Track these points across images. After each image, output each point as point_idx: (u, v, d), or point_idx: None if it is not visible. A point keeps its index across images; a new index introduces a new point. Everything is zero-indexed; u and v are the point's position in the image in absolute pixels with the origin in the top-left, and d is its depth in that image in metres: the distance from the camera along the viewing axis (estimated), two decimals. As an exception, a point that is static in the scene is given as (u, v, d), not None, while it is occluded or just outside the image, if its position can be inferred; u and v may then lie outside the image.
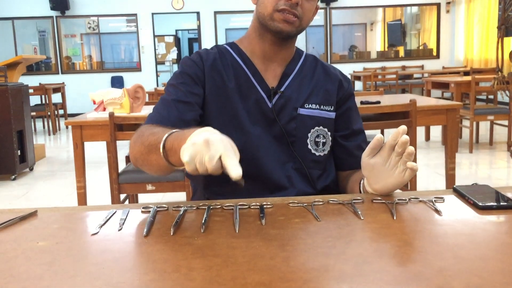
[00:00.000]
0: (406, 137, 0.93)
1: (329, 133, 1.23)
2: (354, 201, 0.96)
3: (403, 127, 0.93)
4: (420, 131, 5.78)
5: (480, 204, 0.90)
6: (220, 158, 0.79)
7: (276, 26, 1.13)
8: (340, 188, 1.27)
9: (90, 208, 1.01)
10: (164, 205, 0.96)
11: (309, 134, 1.20)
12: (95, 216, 0.93)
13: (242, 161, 1.12)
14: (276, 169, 1.17)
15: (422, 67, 10.26)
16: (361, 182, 1.09)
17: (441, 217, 0.86)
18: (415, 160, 2.73)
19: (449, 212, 0.89)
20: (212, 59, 1.19)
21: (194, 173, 0.82)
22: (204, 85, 1.17)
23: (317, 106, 1.21)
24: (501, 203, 0.90)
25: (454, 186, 1.02)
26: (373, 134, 3.41)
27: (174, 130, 0.93)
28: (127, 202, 3.16)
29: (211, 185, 1.19)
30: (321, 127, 1.22)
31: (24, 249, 0.76)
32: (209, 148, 0.79)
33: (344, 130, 1.26)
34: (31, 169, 4.89)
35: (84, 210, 1.00)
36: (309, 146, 1.20)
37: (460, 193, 0.98)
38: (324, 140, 1.22)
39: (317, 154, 1.21)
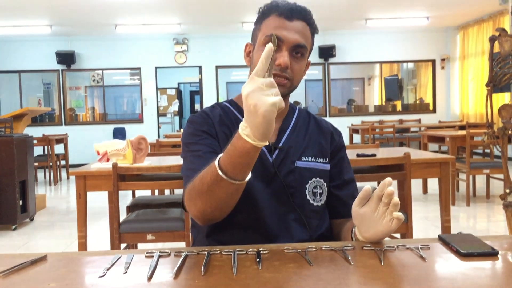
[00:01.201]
0: (391, 189, 1.00)
1: (325, 184, 1.31)
2: (345, 247, 1.02)
3: (389, 179, 1.01)
4: (418, 184, 5.84)
5: (462, 251, 0.96)
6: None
7: None
8: (334, 235, 1.33)
9: (96, 253, 1.07)
10: (167, 250, 1.02)
11: (307, 185, 1.27)
12: (101, 260, 0.99)
13: (243, 213, 1.19)
14: (275, 221, 1.23)
15: (419, 121, 10.45)
16: (353, 230, 1.15)
17: (425, 263, 0.92)
18: (412, 214, 2.76)
19: (433, 258, 0.95)
20: (218, 115, 1.28)
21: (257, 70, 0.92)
22: (216, 137, 1.25)
23: (313, 159, 1.30)
24: (482, 250, 0.97)
25: (439, 234, 1.08)
26: (368, 186, 3.41)
27: (220, 154, 1.01)
28: (126, 252, 3.18)
29: (213, 233, 1.25)
30: (317, 178, 1.29)
31: (37, 289, 0.82)
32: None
33: (337, 180, 1.34)
34: (32, 219, 4.91)
35: (91, 255, 1.06)
36: (308, 197, 1.27)
37: (444, 241, 1.05)
38: (321, 191, 1.30)
39: (315, 204, 1.28)
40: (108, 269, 0.92)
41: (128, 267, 0.93)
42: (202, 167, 1.09)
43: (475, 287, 0.80)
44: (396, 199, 1.00)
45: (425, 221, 4.47)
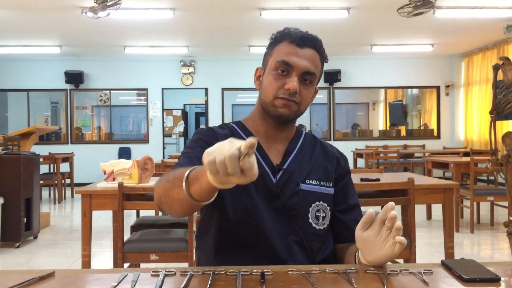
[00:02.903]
0: (394, 213, 1.02)
1: (328, 208, 1.32)
2: (348, 271, 1.03)
3: (391, 204, 1.03)
4: (422, 209, 5.82)
5: (465, 276, 0.97)
6: (239, 149, 0.80)
7: (276, 112, 1.26)
8: (338, 259, 1.34)
9: (103, 271, 1.09)
10: (173, 269, 1.03)
11: (310, 209, 1.29)
12: (108, 278, 1.01)
13: (247, 231, 1.21)
14: (277, 241, 1.24)
15: (423, 146, 10.46)
16: (356, 254, 1.16)
17: (428, 288, 0.93)
18: (415, 240, 2.76)
19: (436, 283, 0.96)
20: (224, 135, 1.31)
21: (212, 170, 0.81)
22: None
23: (317, 182, 1.31)
24: (485, 276, 0.98)
25: (442, 259, 1.10)
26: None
27: (197, 166, 0.97)
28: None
29: (218, 252, 1.27)
30: (321, 202, 1.31)
31: (46, 305, 0.83)
32: (232, 143, 0.82)
33: (342, 205, 1.35)
34: (36, 237, 4.92)
35: (97, 273, 1.07)
36: (310, 220, 1.29)
37: (447, 266, 1.06)
38: (324, 215, 1.31)
39: (317, 227, 1.29)
40: (115, 287, 0.94)
41: (134, 285, 0.95)
42: (191, 164, 1.11)
43: (477, 312, 0.81)
44: (398, 223, 1.02)
45: (429, 247, 4.44)
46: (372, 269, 1.05)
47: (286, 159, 1.32)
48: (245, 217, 1.19)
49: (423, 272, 1.02)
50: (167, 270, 1.03)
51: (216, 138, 1.28)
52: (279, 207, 1.27)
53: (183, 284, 0.93)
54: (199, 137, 1.31)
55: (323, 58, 1.31)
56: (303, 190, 1.29)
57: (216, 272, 1.02)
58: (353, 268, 1.06)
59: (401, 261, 2.84)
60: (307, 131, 1.54)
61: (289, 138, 1.36)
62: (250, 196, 1.25)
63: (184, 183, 0.95)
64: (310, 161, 1.34)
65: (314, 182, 1.31)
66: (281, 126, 1.32)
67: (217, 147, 0.83)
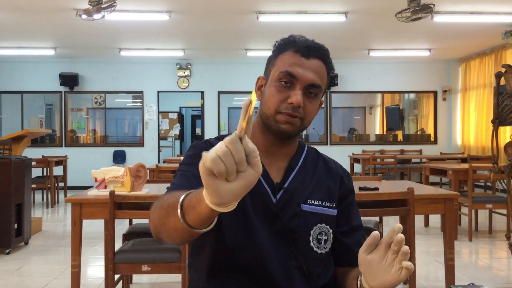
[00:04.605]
0: (401, 236, 0.94)
1: (330, 230, 1.23)
2: (350, 298, 0.96)
3: (399, 226, 0.95)
4: (419, 217, 5.76)
5: (476, 306, 0.90)
6: (235, 133, 0.75)
7: (278, 127, 1.17)
8: (339, 283, 1.26)
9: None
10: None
11: (311, 232, 1.20)
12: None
13: (243, 254, 1.13)
14: (277, 267, 1.16)
15: (420, 151, 10.41)
16: (358, 279, 1.09)
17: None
18: (414, 248, 2.69)
19: (445, 313, 0.89)
20: None
21: (217, 168, 0.73)
22: None
23: (320, 202, 1.22)
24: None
25: (451, 286, 1.02)
26: (371, 220, 3.37)
27: (192, 190, 0.89)
28: (121, 282, 3.10)
29: (212, 274, 1.18)
30: (323, 224, 1.22)
31: None
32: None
33: (344, 226, 1.26)
34: (26, 243, 4.82)
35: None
36: (312, 244, 1.20)
37: (456, 294, 0.99)
38: (326, 238, 1.22)
39: (319, 252, 1.21)
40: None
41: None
42: (187, 185, 1.06)
43: None
44: (406, 247, 0.94)
45: (427, 256, 4.38)
46: (375, 296, 0.98)
47: (287, 177, 1.23)
48: (242, 239, 1.11)
49: (431, 300, 0.95)
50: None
51: None
52: (278, 229, 1.18)
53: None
54: (196, 152, 1.20)
55: (330, 69, 1.22)
56: (304, 211, 1.20)
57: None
58: (355, 295, 0.98)
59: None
60: (304, 135, 1.44)
61: (291, 154, 1.27)
62: (248, 216, 1.16)
63: (179, 211, 0.87)
64: (312, 180, 1.25)
65: (316, 202, 1.22)
66: (282, 142, 1.23)
67: (218, 145, 0.75)
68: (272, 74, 1.20)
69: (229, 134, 1.27)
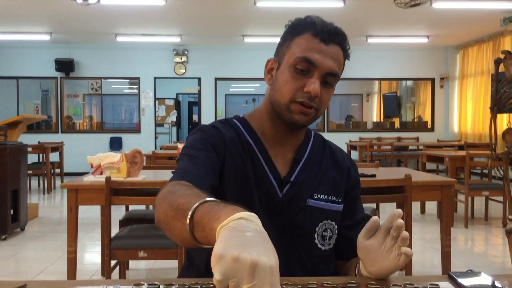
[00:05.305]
0: (401, 222, 0.93)
1: (336, 226, 1.19)
2: (348, 284, 0.95)
3: (399, 211, 0.94)
4: (416, 203, 5.77)
5: (475, 293, 0.89)
6: None
7: (291, 117, 1.10)
8: (337, 273, 1.23)
9: (79, 282, 1.00)
10: (156, 282, 0.94)
11: (317, 228, 1.16)
12: (85, 291, 0.92)
13: None
14: (279, 263, 1.14)
15: (417, 139, 10.41)
16: (357, 265, 1.07)
17: (435, 306, 0.85)
18: (411, 235, 2.70)
19: (444, 300, 0.88)
20: (230, 138, 1.15)
21: None
22: (223, 158, 1.12)
23: (326, 197, 1.17)
24: (496, 292, 0.90)
25: (450, 272, 1.01)
26: (368, 207, 3.36)
27: (207, 199, 0.81)
28: (117, 268, 3.09)
29: (211, 269, 1.15)
30: (329, 221, 1.18)
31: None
32: (253, 276, 0.62)
33: (349, 220, 1.22)
34: (23, 229, 4.81)
35: (73, 285, 0.98)
36: (316, 241, 1.16)
37: (454, 280, 0.98)
38: (331, 234, 1.18)
39: (323, 248, 1.17)
40: (91, 303, 0.85)
41: (113, 301, 0.86)
42: (193, 178, 0.99)
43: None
44: (405, 233, 0.93)
45: (423, 243, 4.39)
46: (373, 282, 0.97)
47: (294, 170, 1.17)
48: None
49: (429, 287, 0.94)
50: (150, 283, 0.94)
51: (223, 141, 1.12)
52: (283, 225, 1.13)
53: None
54: (204, 137, 1.12)
55: (347, 56, 1.14)
56: (310, 207, 1.15)
57: (204, 285, 0.93)
58: (353, 281, 0.97)
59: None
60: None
61: (298, 144, 1.20)
62: (252, 211, 1.13)
63: (188, 221, 0.79)
64: (318, 172, 1.19)
65: (322, 197, 1.17)
66: (292, 132, 1.16)
67: (234, 270, 0.63)
68: (286, 58, 1.10)
69: (235, 118, 1.21)
